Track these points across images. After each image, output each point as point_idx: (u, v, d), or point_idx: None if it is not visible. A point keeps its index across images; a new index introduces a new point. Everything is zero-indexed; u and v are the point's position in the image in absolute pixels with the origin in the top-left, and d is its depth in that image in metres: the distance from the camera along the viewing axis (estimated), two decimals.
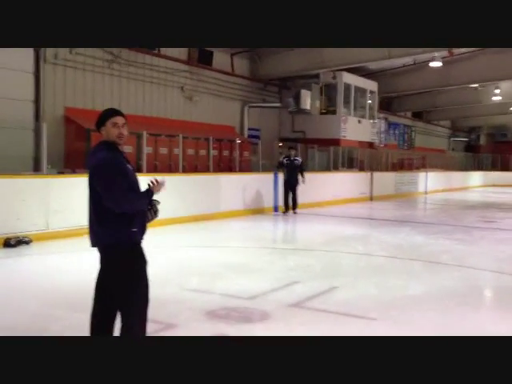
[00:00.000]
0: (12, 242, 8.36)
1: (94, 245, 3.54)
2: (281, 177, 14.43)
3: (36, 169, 10.38)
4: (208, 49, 15.93)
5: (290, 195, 14.09)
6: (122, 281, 3.47)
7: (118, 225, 3.42)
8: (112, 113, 3.55)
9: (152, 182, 3.62)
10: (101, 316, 3.63)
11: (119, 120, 3.51)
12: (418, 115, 30.08)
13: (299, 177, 14.11)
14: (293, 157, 14.16)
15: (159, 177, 3.72)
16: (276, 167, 14.59)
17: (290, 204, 14.14)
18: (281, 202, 14.28)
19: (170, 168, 13.05)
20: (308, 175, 16.20)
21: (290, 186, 14.05)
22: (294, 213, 13.97)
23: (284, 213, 14.05)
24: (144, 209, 3.56)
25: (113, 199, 3.38)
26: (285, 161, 14.14)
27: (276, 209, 14.51)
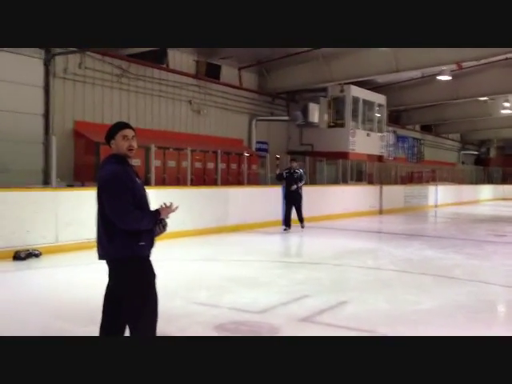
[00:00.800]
0: (22, 255, 8.38)
1: (101, 258, 3.53)
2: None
3: (46, 182, 10.42)
4: (216, 63, 16.02)
5: (294, 211, 13.26)
6: (131, 295, 3.45)
7: (127, 238, 3.40)
8: (122, 126, 3.56)
9: (164, 204, 3.61)
10: (109, 329, 3.60)
11: (129, 133, 3.51)
12: (427, 128, 30.01)
13: (295, 185, 13.08)
14: (293, 169, 13.26)
15: (174, 204, 3.66)
16: (276, 179, 13.93)
17: (294, 218, 13.24)
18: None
19: (178, 181, 13.07)
20: (317, 188, 16.17)
21: (292, 200, 13.17)
22: (302, 227, 13.20)
23: (285, 230, 13.03)
24: (148, 228, 3.50)
25: (117, 215, 3.36)
26: (284, 173, 13.36)
27: (284, 222, 14.44)
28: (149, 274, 3.53)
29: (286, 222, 13.09)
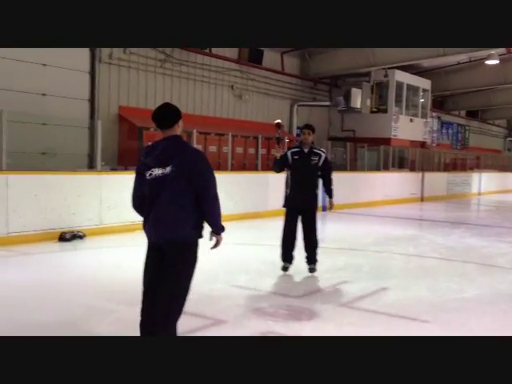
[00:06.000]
0: (67, 237, 8.64)
1: (162, 239, 3.43)
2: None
3: (91, 166, 10.66)
4: (258, 47, 15.97)
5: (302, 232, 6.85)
6: (183, 277, 3.45)
7: (197, 222, 3.50)
8: None
9: None
10: (150, 309, 3.59)
11: None
12: (472, 114, 29.21)
13: (319, 190, 6.91)
14: (307, 148, 6.79)
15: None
16: (273, 167, 7.20)
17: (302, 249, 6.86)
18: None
19: (219, 166, 13.15)
20: (357, 175, 15.79)
21: (302, 210, 6.83)
22: (311, 269, 6.71)
23: (285, 269, 6.77)
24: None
25: (214, 189, 3.57)
26: (290, 155, 6.86)
27: (324, 208, 14.32)
28: (197, 257, 3.58)
29: (286, 254, 6.82)
